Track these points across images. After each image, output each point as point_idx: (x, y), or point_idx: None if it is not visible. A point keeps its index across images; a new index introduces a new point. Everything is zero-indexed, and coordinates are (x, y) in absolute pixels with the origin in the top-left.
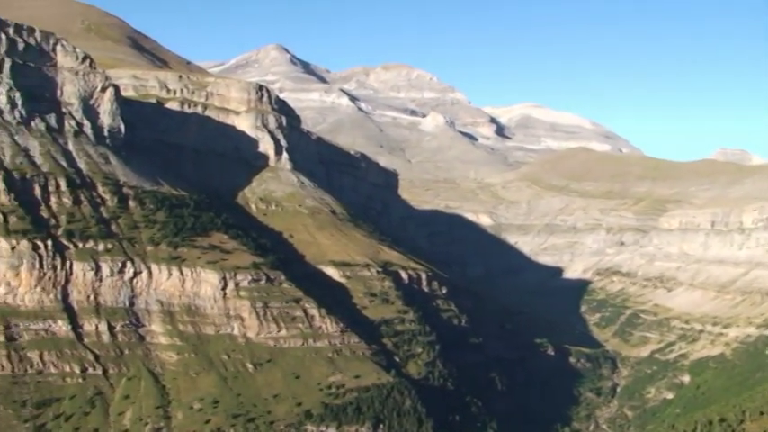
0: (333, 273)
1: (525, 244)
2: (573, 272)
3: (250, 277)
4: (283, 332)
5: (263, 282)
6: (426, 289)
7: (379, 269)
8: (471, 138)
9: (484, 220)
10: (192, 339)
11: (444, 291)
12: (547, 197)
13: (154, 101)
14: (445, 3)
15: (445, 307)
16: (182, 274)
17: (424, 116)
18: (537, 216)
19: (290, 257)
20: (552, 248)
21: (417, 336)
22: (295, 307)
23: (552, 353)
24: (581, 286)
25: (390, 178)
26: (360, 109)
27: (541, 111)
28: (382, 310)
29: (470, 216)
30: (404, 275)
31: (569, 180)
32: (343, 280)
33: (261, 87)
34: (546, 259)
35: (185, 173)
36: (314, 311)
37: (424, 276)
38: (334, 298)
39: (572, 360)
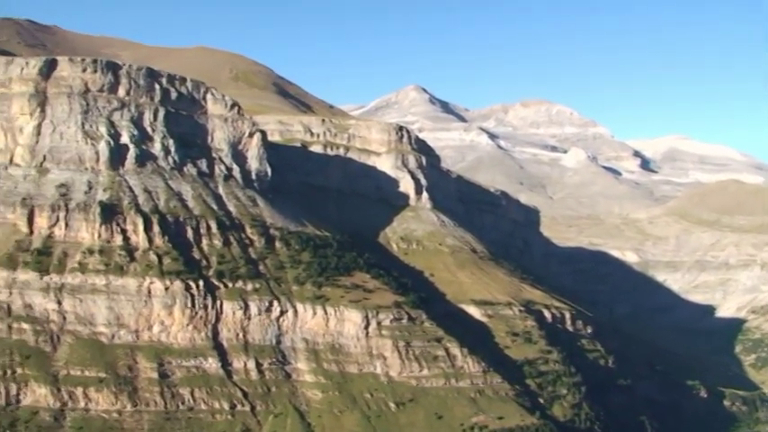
0: (474, 312)
1: (674, 281)
2: (726, 310)
3: (392, 316)
4: (425, 371)
5: (404, 321)
6: (571, 328)
7: (522, 308)
8: (615, 172)
9: (630, 257)
10: (336, 378)
11: (589, 330)
12: (696, 232)
13: (298, 144)
14: (586, 37)
15: (590, 347)
16: (326, 312)
17: (565, 152)
18: (686, 252)
19: (431, 296)
20: (703, 286)
21: (562, 376)
22: (437, 346)
23: (705, 395)
24: (735, 325)
25: (531, 215)
26: (499, 146)
27: (689, 143)
28: (525, 349)
29: (616, 253)
30: (547, 314)
31: (720, 214)
32: (484, 319)
33: (401, 128)
34: (697, 297)
35: (329, 213)
36: (456, 351)
37: (567, 315)
38: (475, 337)
39: (726, 403)
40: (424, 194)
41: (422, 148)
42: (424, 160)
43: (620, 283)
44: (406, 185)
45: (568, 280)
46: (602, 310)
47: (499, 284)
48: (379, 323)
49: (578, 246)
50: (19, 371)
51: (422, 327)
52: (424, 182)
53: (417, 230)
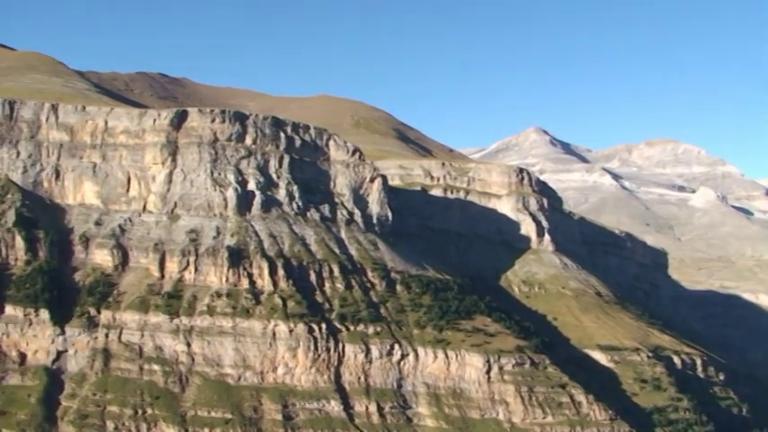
0: (600, 357)
1: None
2: None
3: (514, 361)
4: (549, 418)
5: (527, 366)
6: (702, 375)
7: (650, 354)
8: (746, 212)
9: (764, 300)
10: (457, 423)
11: (722, 377)
12: None
13: (419, 188)
14: (711, 75)
15: (723, 394)
16: (447, 356)
17: (693, 191)
18: None
19: (554, 341)
20: None
21: (693, 425)
22: (561, 392)
23: None
24: None
25: (659, 257)
26: (623, 187)
27: None
28: (654, 397)
29: (749, 296)
30: (677, 360)
31: None
32: (611, 365)
33: (521, 170)
34: None
35: (449, 257)
36: (581, 397)
37: (698, 361)
38: (601, 384)
39: None
40: (546, 237)
41: (543, 189)
42: (545, 202)
43: (754, 327)
44: (528, 228)
45: (699, 324)
46: (735, 355)
47: (626, 329)
48: (501, 368)
49: (709, 289)
50: (149, 411)
51: (545, 372)
52: (545, 224)
53: (539, 273)
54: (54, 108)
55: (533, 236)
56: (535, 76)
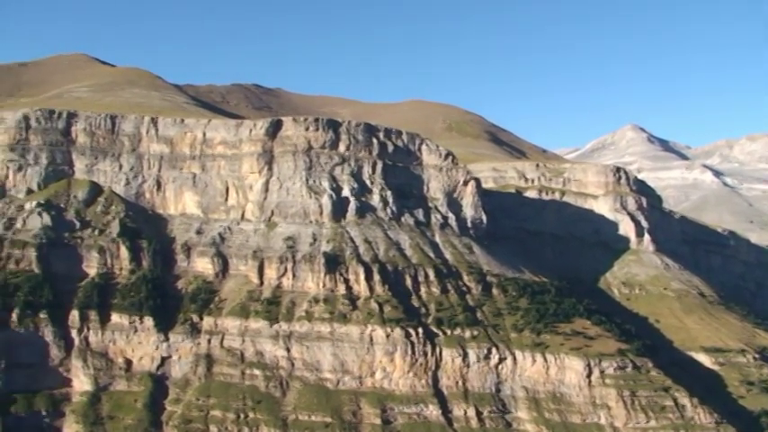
0: (704, 359)
1: None
2: None
3: (615, 364)
4: (653, 422)
5: (629, 369)
6: None
7: (757, 355)
8: None
9: None
10: (558, 428)
11: None
12: None
13: (513, 190)
14: None
15: None
16: (545, 360)
17: None
18: None
19: (656, 343)
20: None
21: None
22: (664, 396)
23: None
24: None
25: (764, 256)
26: (725, 184)
27: None
28: (762, 400)
29: None
30: None
31: None
32: (715, 367)
33: (618, 169)
34: None
35: (545, 259)
36: (685, 401)
37: None
38: (706, 387)
39: None
40: (646, 237)
41: (641, 188)
42: (644, 201)
43: None
44: (626, 228)
45: None
46: None
47: (730, 330)
48: (602, 371)
49: None
50: (251, 415)
51: (648, 375)
52: (645, 224)
53: (640, 274)
54: (154, 121)
55: (632, 236)
56: (630, 72)
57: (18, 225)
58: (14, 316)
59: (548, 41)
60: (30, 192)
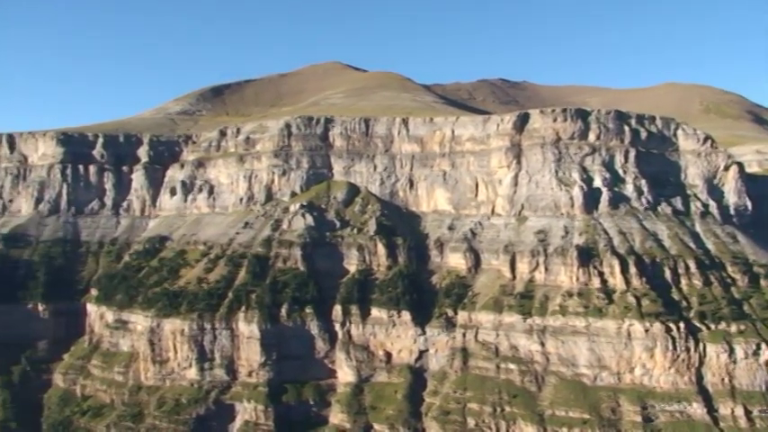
0: None
1: None
2: None
3: None
4: None
5: None
6: None
7: None
8: None
9: None
10: None
11: None
12: None
13: None
14: None
15: None
16: None
17: None
18: None
19: None
20: None
21: None
22: None
23: None
24: None
25: None
26: None
27: None
28: None
29: None
30: None
31: None
32: None
33: None
34: None
35: None
36: None
37: None
38: None
39: None
40: None
41: None
42: None
43: None
44: None
45: None
46: None
47: None
48: None
49: None
50: (507, 409)
51: None
52: None
53: None
54: (405, 122)
55: None
56: None
57: (284, 226)
58: (283, 311)
59: None
60: (293, 194)
